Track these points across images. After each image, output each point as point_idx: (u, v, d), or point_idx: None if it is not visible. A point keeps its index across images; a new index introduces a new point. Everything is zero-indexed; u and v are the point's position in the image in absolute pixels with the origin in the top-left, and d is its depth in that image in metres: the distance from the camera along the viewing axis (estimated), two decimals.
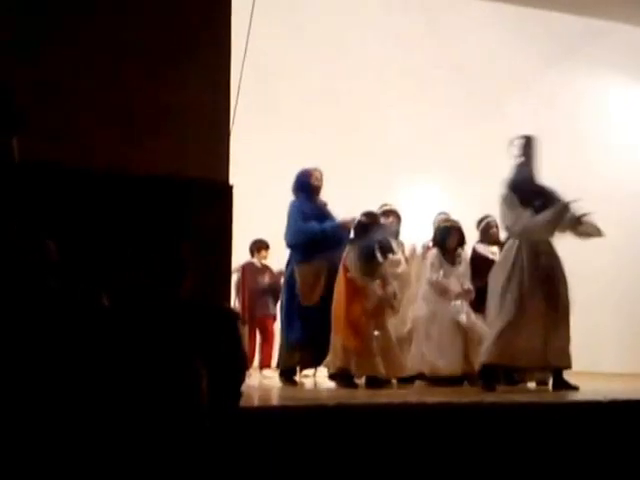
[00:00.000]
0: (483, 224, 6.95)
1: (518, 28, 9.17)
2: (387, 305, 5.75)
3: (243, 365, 3.58)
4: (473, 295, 6.18)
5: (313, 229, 6.19)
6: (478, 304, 6.14)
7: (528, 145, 5.63)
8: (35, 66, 3.89)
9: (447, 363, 6.01)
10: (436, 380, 6.03)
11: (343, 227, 6.17)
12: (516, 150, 5.62)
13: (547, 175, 8.45)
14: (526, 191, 5.48)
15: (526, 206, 5.41)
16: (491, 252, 6.74)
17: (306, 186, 6.40)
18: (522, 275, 5.31)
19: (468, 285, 6.20)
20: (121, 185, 3.89)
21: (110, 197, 3.86)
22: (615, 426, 4.07)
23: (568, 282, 5.43)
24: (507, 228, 5.64)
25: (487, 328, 5.75)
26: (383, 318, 5.72)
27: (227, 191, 4.16)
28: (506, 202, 5.51)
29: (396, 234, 6.49)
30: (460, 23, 9.46)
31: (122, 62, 4.11)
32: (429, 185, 10.14)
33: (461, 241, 6.46)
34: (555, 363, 5.33)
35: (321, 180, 6.45)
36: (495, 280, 5.52)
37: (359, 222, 5.93)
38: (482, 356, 5.45)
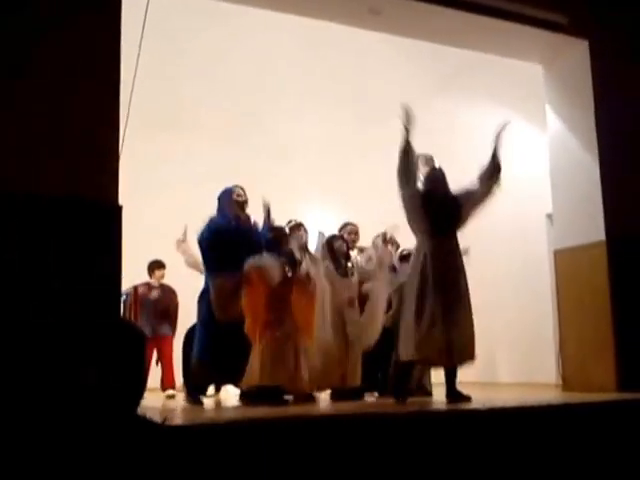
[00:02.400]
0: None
1: (399, 55, 9.52)
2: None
3: (143, 380, 3.70)
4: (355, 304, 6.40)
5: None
6: None
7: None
8: None
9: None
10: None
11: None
12: (424, 163, 5.84)
13: None
14: (430, 196, 5.69)
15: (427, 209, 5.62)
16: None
17: (226, 203, 6.27)
18: (424, 276, 5.47)
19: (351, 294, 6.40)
20: (7, 204, 3.86)
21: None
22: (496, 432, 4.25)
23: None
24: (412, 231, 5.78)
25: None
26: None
27: (116, 211, 4.12)
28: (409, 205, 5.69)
29: (305, 246, 6.52)
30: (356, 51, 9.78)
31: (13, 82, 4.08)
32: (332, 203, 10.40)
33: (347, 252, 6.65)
34: (458, 360, 5.47)
35: (244, 196, 6.35)
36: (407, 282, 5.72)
37: (268, 239, 5.93)
38: (395, 355, 5.66)
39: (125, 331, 3.85)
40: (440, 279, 5.46)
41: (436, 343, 5.33)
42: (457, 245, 5.73)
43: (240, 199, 6.30)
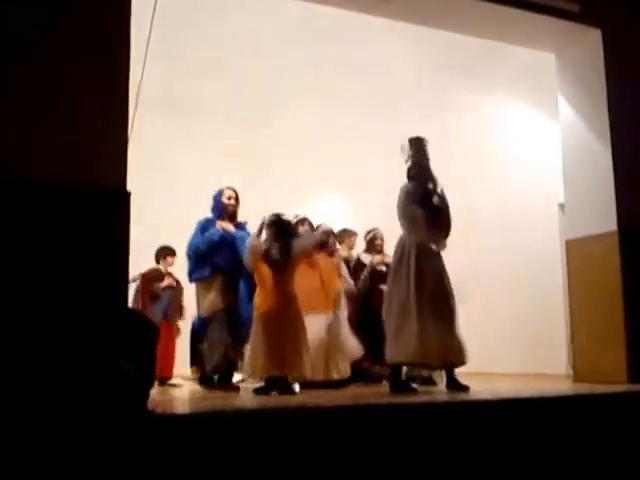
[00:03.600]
0: (370, 235, 7.38)
1: (420, 44, 9.48)
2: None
3: (152, 375, 3.72)
4: None
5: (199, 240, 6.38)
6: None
7: (418, 146, 5.79)
8: None
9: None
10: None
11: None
12: (407, 153, 5.80)
13: (447, 183, 8.80)
14: (416, 193, 5.67)
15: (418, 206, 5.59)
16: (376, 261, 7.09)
17: (218, 205, 6.57)
18: (409, 276, 5.44)
19: None
20: (17, 192, 3.84)
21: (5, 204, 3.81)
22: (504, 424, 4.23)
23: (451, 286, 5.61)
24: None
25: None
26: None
27: (124, 197, 4.09)
28: (398, 204, 5.68)
29: None
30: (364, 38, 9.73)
31: (19, 68, 4.04)
32: (332, 194, 10.36)
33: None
34: (451, 361, 5.47)
35: (233, 199, 6.59)
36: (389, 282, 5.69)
37: (274, 222, 5.77)
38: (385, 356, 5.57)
39: (138, 322, 3.83)
40: (429, 281, 5.46)
41: (431, 348, 5.32)
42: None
43: (227, 202, 6.56)
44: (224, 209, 6.54)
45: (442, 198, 5.76)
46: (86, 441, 2.90)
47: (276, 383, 5.44)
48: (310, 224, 6.89)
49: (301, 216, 6.89)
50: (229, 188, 6.63)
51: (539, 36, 7.05)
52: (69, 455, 2.86)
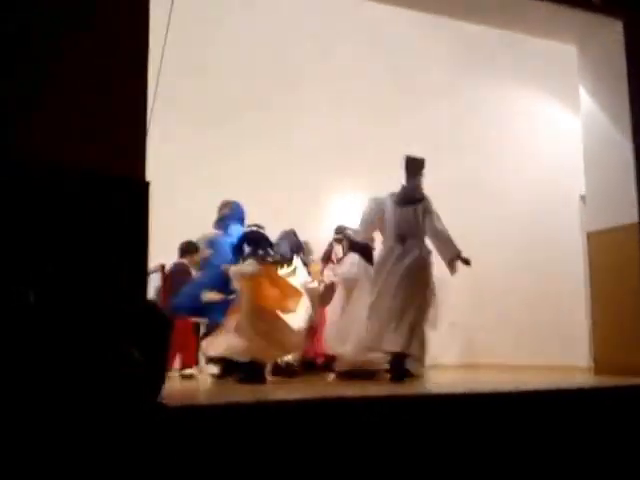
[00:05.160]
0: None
1: (435, 36, 9.46)
2: None
3: (164, 367, 3.76)
4: None
5: None
6: None
7: (413, 165, 6.30)
8: None
9: None
10: None
11: None
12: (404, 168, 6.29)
13: (466, 174, 8.83)
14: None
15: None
16: None
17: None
18: (384, 271, 6.09)
19: None
20: (35, 182, 3.84)
21: (28, 192, 3.82)
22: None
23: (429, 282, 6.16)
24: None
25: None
26: None
27: (144, 188, 4.12)
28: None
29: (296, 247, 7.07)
30: (385, 30, 9.73)
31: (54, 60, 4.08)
32: (353, 188, 10.35)
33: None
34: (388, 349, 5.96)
35: (222, 209, 7.21)
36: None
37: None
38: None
39: (153, 314, 3.84)
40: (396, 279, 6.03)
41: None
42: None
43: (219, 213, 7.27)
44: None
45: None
46: (97, 429, 2.94)
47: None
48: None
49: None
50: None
51: (560, 28, 7.02)
52: (78, 443, 2.90)
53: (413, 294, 6.00)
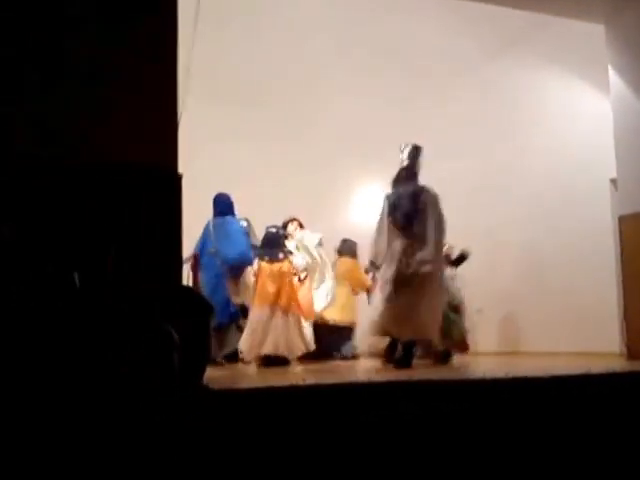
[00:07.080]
0: None
1: (459, 20, 9.38)
2: None
3: (208, 351, 3.79)
4: None
5: None
6: None
7: (414, 153, 6.38)
8: None
9: None
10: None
11: None
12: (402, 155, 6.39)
13: (497, 158, 8.72)
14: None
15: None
16: None
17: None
18: (393, 262, 6.16)
19: None
20: (71, 173, 3.90)
21: (63, 185, 3.89)
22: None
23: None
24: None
25: None
26: None
27: (176, 179, 4.17)
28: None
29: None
30: (402, 14, 9.67)
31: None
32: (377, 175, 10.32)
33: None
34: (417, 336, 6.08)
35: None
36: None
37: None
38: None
39: (194, 300, 3.88)
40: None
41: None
42: None
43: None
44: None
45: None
46: (139, 410, 2.96)
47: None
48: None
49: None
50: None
51: (588, 7, 6.91)
52: (121, 424, 2.92)
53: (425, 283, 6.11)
